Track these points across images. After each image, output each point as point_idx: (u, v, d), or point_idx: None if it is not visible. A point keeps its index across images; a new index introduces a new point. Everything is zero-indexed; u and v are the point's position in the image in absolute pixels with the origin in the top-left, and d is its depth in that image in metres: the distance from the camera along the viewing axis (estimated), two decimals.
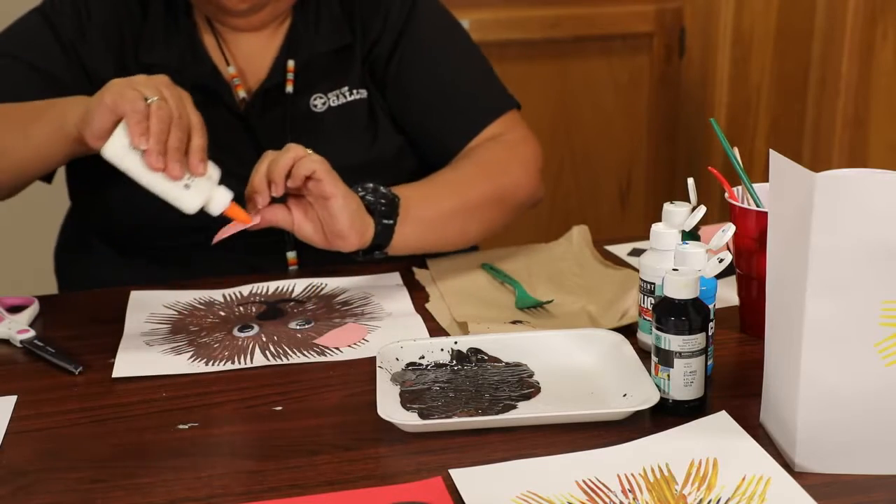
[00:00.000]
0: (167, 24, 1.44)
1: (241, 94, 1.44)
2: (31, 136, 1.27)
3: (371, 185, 1.28)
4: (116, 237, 1.47)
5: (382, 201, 1.27)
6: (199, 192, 1.14)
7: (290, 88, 1.44)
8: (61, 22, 1.42)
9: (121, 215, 1.41)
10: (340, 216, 1.21)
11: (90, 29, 1.43)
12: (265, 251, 1.44)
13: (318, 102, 1.45)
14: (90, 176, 1.43)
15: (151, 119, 1.12)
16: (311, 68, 1.45)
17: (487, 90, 1.51)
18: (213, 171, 1.17)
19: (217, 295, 1.34)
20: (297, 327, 1.24)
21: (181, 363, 1.16)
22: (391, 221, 1.27)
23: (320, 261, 1.41)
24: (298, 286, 1.36)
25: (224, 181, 1.25)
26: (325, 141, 1.44)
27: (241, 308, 1.30)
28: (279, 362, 1.16)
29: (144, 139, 1.11)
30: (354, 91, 1.46)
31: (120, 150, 1.13)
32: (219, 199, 1.16)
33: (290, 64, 1.44)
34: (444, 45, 1.51)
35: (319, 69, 1.46)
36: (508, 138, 1.47)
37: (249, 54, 1.47)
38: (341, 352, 1.18)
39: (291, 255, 1.44)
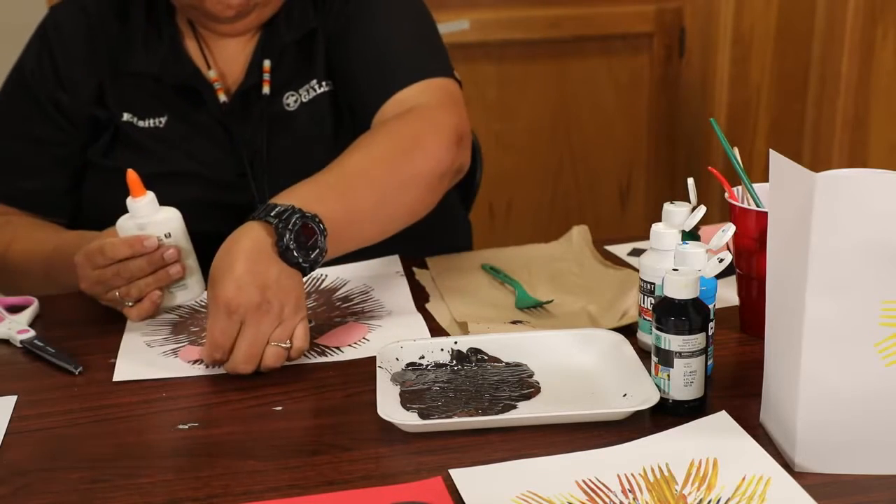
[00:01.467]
0: (148, 30, 1.44)
1: (223, 97, 1.44)
2: (56, 282, 1.35)
3: (287, 229, 1.10)
4: None
5: (314, 257, 1.13)
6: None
7: (266, 90, 1.43)
8: (38, 86, 1.45)
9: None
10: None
11: (63, 69, 1.44)
12: None
13: (291, 101, 1.44)
14: (95, 190, 1.46)
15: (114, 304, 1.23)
16: (282, 65, 1.44)
17: (417, 53, 1.44)
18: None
19: None
20: None
21: (181, 366, 1.16)
22: (321, 255, 1.15)
23: None
24: None
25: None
26: (299, 141, 1.43)
27: None
28: None
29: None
30: (322, 83, 1.44)
31: None
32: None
33: (266, 64, 1.43)
34: (387, 8, 1.46)
35: (289, 64, 1.45)
36: (425, 107, 1.35)
37: (228, 57, 1.46)
38: (342, 351, 1.18)
39: None
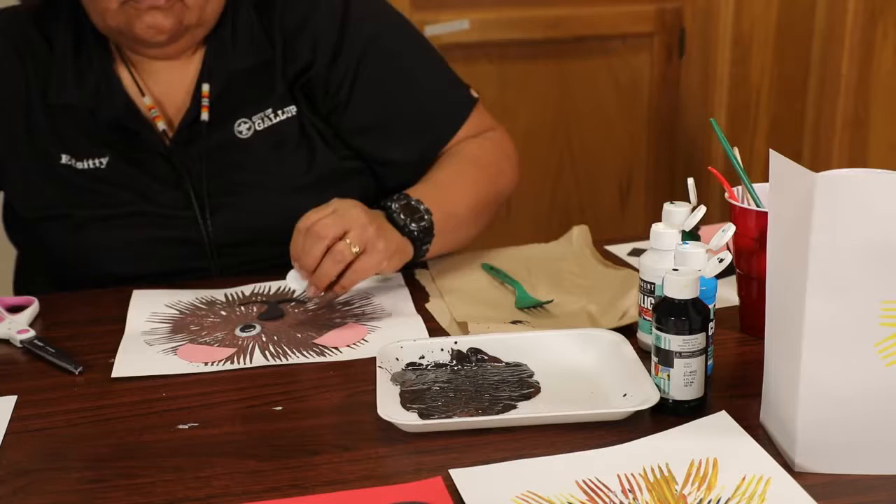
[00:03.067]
0: (77, 59, 1.36)
1: (161, 125, 1.37)
2: None
3: (405, 202, 1.28)
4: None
5: (423, 225, 1.28)
6: None
7: (205, 116, 1.36)
8: None
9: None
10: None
11: None
12: None
13: (244, 128, 1.37)
14: (52, 237, 1.41)
15: None
16: (230, 91, 1.38)
17: (452, 91, 1.46)
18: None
19: (219, 294, 1.34)
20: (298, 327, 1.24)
21: (180, 363, 1.16)
22: (426, 247, 1.29)
23: None
24: None
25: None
26: (257, 169, 1.38)
27: (243, 308, 1.30)
28: (279, 362, 1.16)
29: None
30: (280, 111, 1.39)
31: None
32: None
33: (205, 88, 1.36)
34: (394, 55, 1.43)
35: (239, 91, 1.38)
36: (494, 136, 1.47)
37: (166, 83, 1.39)
38: (341, 352, 1.18)
39: None
